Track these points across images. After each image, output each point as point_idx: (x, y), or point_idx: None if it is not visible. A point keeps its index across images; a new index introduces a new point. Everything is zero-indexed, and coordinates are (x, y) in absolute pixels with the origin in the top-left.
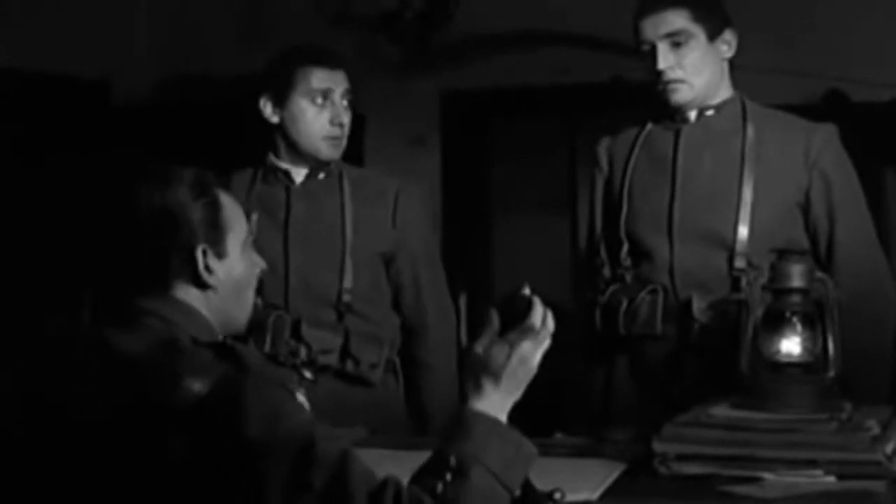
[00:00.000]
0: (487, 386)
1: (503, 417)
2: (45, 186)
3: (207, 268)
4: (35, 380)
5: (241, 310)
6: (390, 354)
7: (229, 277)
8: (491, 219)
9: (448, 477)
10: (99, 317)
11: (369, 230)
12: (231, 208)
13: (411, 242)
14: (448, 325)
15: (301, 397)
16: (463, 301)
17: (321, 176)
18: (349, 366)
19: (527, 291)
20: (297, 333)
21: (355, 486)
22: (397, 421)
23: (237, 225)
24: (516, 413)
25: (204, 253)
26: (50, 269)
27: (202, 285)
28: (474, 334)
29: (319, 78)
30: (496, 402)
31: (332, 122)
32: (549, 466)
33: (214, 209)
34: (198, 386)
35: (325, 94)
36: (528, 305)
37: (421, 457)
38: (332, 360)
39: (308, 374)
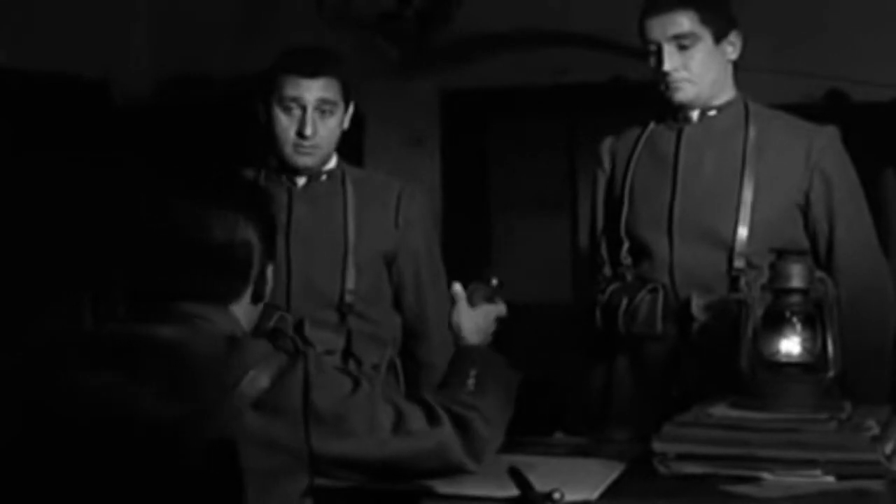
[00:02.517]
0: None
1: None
2: (45, 187)
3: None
4: (94, 378)
5: (260, 310)
6: (392, 354)
7: (271, 286)
8: (490, 218)
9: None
10: (148, 317)
11: (372, 231)
12: (278, 223)
13: (413, 243)
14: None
15: None
16: None
17: (323, 177)
18: (351, 366)
19: (494, 282)
20: (299, 334)
21: (412, 419)
22: None
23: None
24: (517, 412)
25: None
26: (50, 270)
27: (259, 300)
28: None
29: (291, 86)
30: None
31: (297, 133)
32: (549, 466)
33: (273, 229)
34: (267, 373)
35: (296, 103)
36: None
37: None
38: (335, 360)
39: None
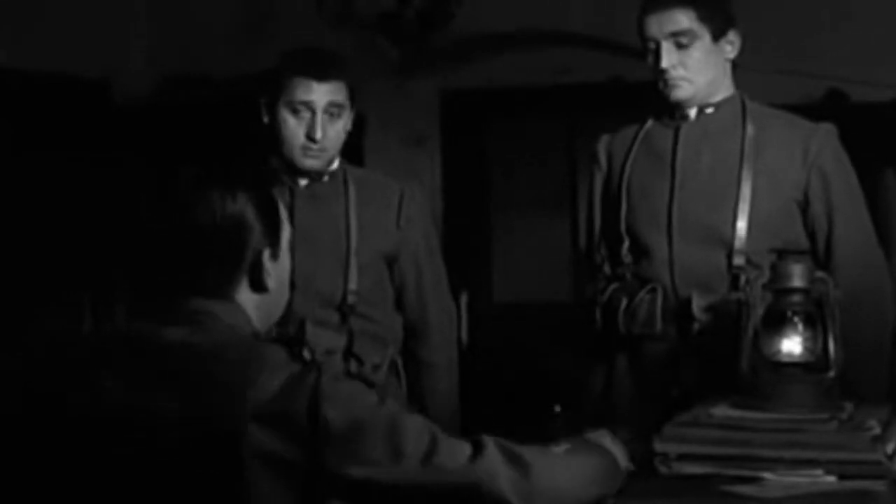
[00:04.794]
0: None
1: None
2: (45, 187)
3: (267, 272)
4: (101, 379)
5: (282, 307)
6: (393, 355)
7: (280, 278)
8: (491, 218)
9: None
10: (154, 317)
11: (374, 232)
12: (280, 207)
13: (414, 243)
14: (450, 325)
15: None
16: (463, 301)
17: (325, 178)
18: (353, 367)
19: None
20: (300, 334)
21: (447, 451)
22: None
23: (285, 224)
24: (515, 409)
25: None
26: (50, 270)
27: (260, 289)
28: (474, 333)
29: (301, 89)
30: None
31: (307, 136)
32: None
33: (274, 212)
34: (276, 381)
35: (306, 106)
36: None
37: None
38: (336, 361)
39: None
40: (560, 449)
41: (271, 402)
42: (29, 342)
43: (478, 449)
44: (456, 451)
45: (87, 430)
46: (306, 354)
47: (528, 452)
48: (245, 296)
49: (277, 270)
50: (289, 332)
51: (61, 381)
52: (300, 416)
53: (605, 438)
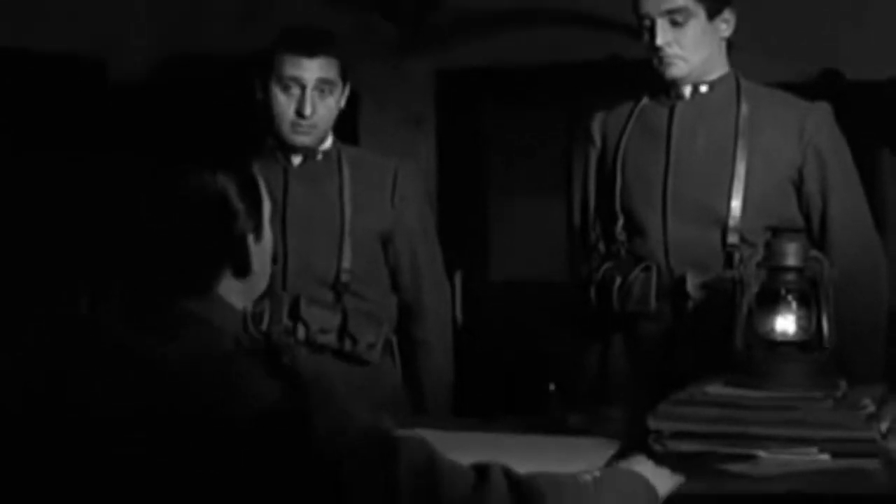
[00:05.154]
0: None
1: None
2: (41, 167)
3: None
4: (80, 394)
5: (264, 283)
6: (388, 334)
7: (263, 260)
8: (487, 198)
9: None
10: (132, 318)
11: (368, 210)
12: (262, 184)
13: (409, 221)
14: (444, 304)
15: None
16: (458, 280)
17: (319, 157)
18: (347, 345)
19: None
20: (295, 313)
21: (447, 480)
22: (395, 400)
23: (267, 202)
24: (509, 388)
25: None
26: (47, 256)
27: (243, 275)
28: (469, 313)
29: (290, 65)
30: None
31: (296, 112)
32: (545, 445)
33: (255, 191)
34: (260, 399)
35: (296, 82)
36: None
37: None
38: (331, 339)
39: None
40: (588, 477)
41: (259, 419)
42: (26, 340)
43: (481, 477)
44: (457, 481)
45: (84, 428)
46: (300, 332)
47: (543, 482)
48: (230, 286)
49: (260, 252)
50: (282, 312)
51: (59, 379)
52: (287, 435)
53: (642, 464)
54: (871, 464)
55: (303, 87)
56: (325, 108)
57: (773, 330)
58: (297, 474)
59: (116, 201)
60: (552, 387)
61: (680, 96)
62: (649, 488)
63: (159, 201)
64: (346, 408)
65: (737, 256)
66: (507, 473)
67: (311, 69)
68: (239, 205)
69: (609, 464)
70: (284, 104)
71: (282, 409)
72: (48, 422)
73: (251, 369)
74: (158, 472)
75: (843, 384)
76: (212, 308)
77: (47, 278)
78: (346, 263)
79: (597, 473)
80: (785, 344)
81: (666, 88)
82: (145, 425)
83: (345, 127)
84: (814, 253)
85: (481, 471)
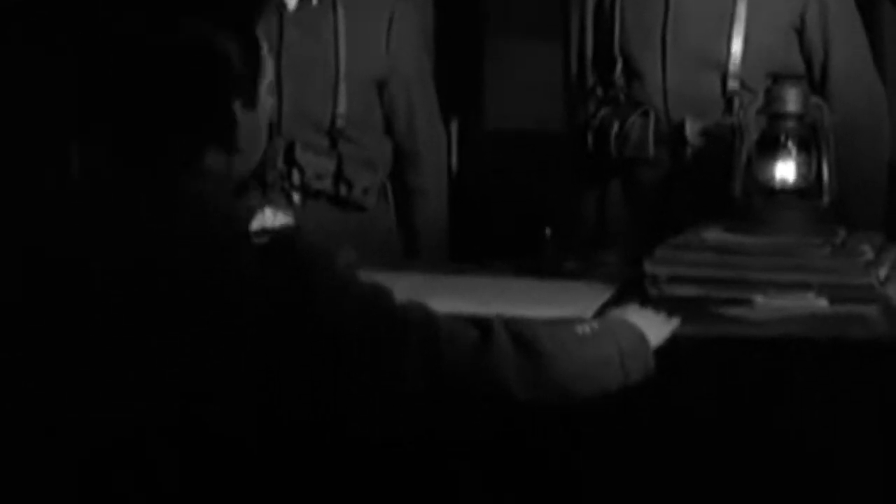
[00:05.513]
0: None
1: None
2: (40, 17)
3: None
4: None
5: (254, 161)
6: (383, 179)
7: (254, 129)
8: (484, 42)
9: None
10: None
11: (363, 55)
12: (265, 48)
13: (405, 67)
14: (440, 151)
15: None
16: (454, 127)
17: (314, 1)
18: (342, 190)
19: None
20: (290, 158)
21: (449, 340)
22: (389, 245)
23: (267, 67)
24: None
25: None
26: (36, 117)
27: (232, 150)
28: (464, 160)
29: None
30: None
31: None
32: (540, 288)
33: (256, 52)
34: (259, 275)
35: None
36: None
37: (410, 278)
38: (326, 184)
39: (296, 199)
40: (585, 328)
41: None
42: (19, 193)
43: (485, 334)
44: (460, 335)
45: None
46: (295, 178)
47: (544, 337)
48: (218, 160)
49: (252, 120)
50: (277, 158)
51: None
52: (287, 311)
53: (636, 314)
54: (869, 310)
55: None
56: None
57: (772, 177)
58: (297, 338)
59: (107, 52)
60: (548, 232)
61: None
62: (643, 340)
63: (148, 55)
64: (346, 272)
65: (737, 102)
66: (509, 327)
67: None
68: (233, 66)
69: (603, 309)
70: None
71: (280, 278)
72: (51, 279)
73: (245, 253)
74: (154, 326)
75: (842, 231)
76: (205, 184)
77: (40, 128)
78: (341, 108)
79: (595, 325)
80: (784, 191)
81: None
82: (143, 279)
83: None
84: (815, 100)
85: (484, 328)
